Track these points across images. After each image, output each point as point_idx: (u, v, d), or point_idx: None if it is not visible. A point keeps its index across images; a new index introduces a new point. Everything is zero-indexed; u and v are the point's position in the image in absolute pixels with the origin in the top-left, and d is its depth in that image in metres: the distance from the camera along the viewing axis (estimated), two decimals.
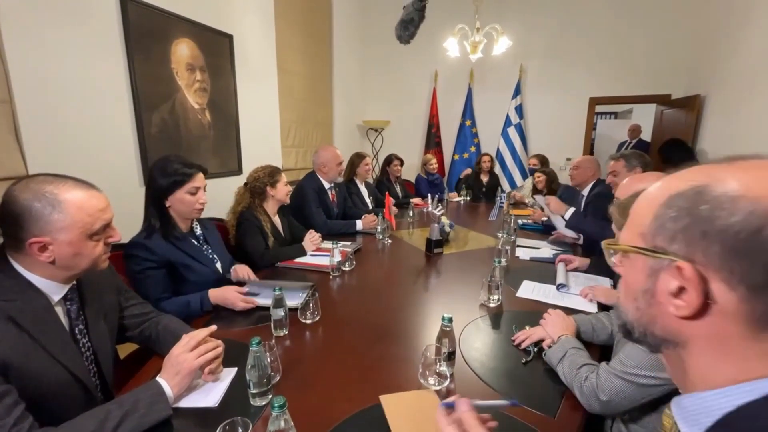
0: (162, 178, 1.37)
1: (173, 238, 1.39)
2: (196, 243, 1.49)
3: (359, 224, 2.56)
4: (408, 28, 1.96)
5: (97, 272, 0.91)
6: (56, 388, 0.79)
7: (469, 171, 4.73)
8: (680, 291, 0.38)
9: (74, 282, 0.89)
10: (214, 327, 0.99)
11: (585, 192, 2.82)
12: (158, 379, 0.86)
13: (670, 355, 0.43)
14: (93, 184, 0.86)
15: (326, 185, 2.67)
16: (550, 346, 1.08)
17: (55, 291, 0.84)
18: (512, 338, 1.19)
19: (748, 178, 0.35)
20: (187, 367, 0.87)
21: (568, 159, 4.05)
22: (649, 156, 3.40)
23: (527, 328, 1.19)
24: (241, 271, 1.57)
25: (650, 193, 0.42)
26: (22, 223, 0.76)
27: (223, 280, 1.50)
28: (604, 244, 0.49)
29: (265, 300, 1.36)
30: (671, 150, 3.43)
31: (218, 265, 1.53)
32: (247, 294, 1.38)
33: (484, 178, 4.42)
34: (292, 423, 0.67)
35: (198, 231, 1.55)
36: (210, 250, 1.54)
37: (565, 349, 1.01)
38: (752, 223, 0.33)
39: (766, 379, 0.35)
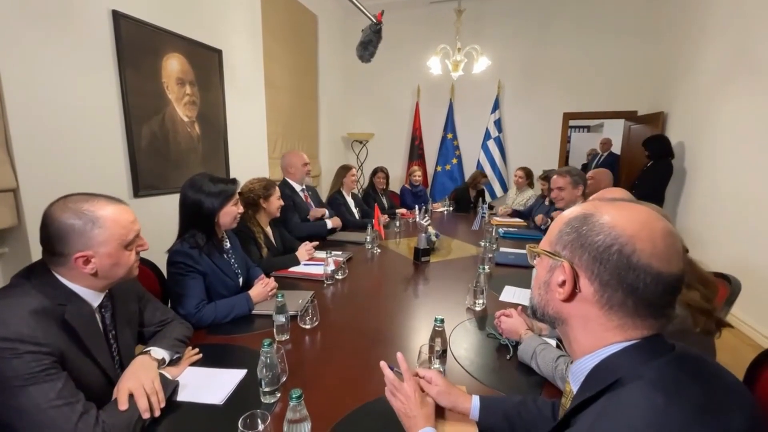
0: (211, 198, 1.43)
1: (212, 254, 1.46)
2: (225, 257, 1.56)
3: (329, 223, 2.78)
4: (367, 48, 2.12)
5: (127, 280, 0.97)
6: (93, 389, 0.83)
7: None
8: (563, 283, 0.55)
9: (107, 290, 0.95)
10: None
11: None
12: None
13: (562, 331, 0.60)
14: (120, 199, 0.92)
15: (297, 187, 2.78)
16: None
17: (92, 299, 0.90)
18: (495, 324, 1.31)
19: (616, 214, 0.53)
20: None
21: (544, 170, 4.28)
22: (642, 146, 3.73)
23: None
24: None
25: (561, 217, 0.60)
26: (66, 240, 0.81)
27: (241, 291, 1.57)
28: (527, 247, 0.65)
29: (266, 308, 1.43)
30: (653, 142, 3.77)
31: (240, 280, 1.61)
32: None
33: (472, 192, 4.58)
34: (307, 412, 0.74)
35: (227, 245, 1.61)
36: (236, 265, 1.61)
37: (533, 347, 1.11)
38: (608, 242, 0.51)
39: (612, 345, 0.53)
